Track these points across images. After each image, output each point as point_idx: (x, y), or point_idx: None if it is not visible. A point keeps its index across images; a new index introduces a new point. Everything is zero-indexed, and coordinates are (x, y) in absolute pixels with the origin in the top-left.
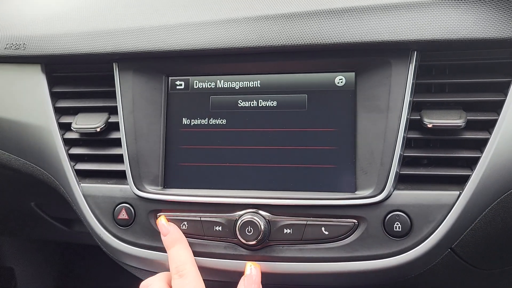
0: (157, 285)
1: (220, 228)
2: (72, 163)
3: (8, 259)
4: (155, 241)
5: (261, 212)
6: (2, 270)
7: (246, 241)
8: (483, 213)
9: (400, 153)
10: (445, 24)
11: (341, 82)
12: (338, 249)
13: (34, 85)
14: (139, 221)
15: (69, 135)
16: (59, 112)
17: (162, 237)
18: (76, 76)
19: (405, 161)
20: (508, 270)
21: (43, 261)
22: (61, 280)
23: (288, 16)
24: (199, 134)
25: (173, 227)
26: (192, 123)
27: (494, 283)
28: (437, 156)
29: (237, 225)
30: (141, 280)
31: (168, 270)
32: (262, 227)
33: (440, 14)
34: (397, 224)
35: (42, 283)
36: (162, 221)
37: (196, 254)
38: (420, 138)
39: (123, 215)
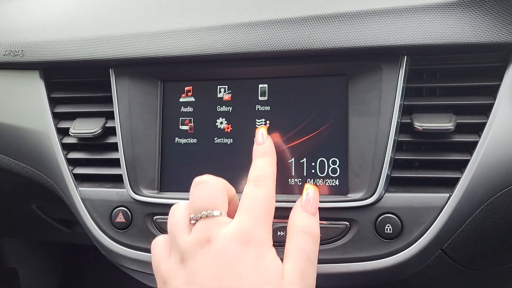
0: (214, 181)
1: None
2: (70, 167)
3: (12, 260)
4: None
5: None
6: (6, 271)
7: None
8: (473, 215)
9: (391, 156)
10: (435, 29)
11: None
12: (330, 251)
13: (33, 91)
14: (136, 224)
15: (67, 140)
16: (57, 117)
17: (255, 146)
18: (74, 81)
19: (396, 164)
20: (499, 271)
21: (47, 262)
22: (64, 280)
23: (280, 22)
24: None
25: (269, 141)
26: (187, 127)
27: (486, 284)
28: (427, 159)
29: None
30: (141, 283)
31: None
32: None
33: (430, 19)
34: (388, 226)
35: (45, 284)
36: (262, 130)
37: None
38: (411, 141)
39: (120, 218)
